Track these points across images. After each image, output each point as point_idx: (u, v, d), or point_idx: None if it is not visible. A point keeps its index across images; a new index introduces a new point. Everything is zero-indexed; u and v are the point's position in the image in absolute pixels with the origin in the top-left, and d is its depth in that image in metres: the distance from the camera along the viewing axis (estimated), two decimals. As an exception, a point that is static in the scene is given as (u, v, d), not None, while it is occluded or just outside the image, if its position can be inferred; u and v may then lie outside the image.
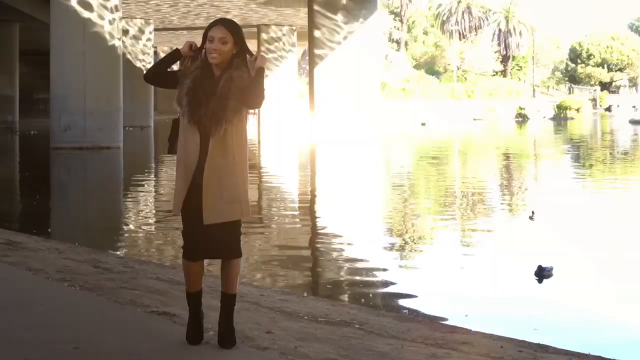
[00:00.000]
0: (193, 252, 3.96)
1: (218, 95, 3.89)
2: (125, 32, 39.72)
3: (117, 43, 25.25)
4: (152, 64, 4.11)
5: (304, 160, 23.70)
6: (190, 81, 3.94)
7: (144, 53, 44.18)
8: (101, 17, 24.51)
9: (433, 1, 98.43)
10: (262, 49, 46.88)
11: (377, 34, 33.03)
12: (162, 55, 58.72)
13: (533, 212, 10.94)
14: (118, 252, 8.55)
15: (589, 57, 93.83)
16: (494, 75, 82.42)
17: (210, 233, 3.90)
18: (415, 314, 5.94)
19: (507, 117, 63.69)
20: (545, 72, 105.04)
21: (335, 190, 15.74)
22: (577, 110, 75.56)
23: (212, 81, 3.93)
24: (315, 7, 28.67)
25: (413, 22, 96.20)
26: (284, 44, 46.76)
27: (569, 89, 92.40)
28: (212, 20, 4.07)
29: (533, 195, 14.57)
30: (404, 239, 9.74)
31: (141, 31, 43.97)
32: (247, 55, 3.97)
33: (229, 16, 41.09)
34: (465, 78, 77.80)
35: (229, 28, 3.94)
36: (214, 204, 3.87)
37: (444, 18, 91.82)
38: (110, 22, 24.76)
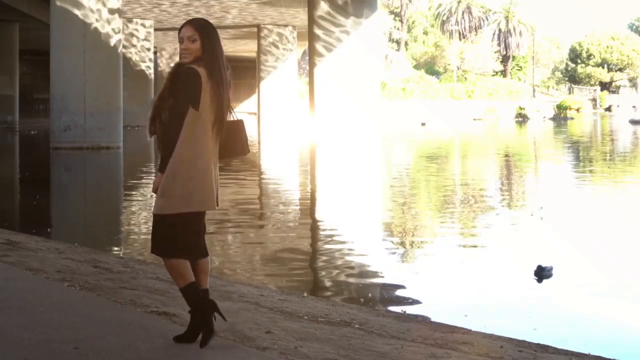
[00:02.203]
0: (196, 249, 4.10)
1: (159, 94, 3.93)
2: (125, 32, 39.77)
3: (117, 43, 25.26)
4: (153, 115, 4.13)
5: (303, 160, 23.70)
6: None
7: (144, 53, 44.19)
8: (101, 17, 24.52)
9: (433, 1, 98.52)
10: (262, 48, 46.90)
11: (377, 34, 33.02)
12: (161, 55, 58.77)
13: (541, 208, 10.95)
14: (118, 252, 8.55)
15: (589, 57, 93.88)
16: (494, 75, 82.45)
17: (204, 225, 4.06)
18: (415, 314, 5.94)
19: (507, 117, 63.72)
20: (545, 72, 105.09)
21: (335, 190, 15.74)
22: (577, 110, 75.66)
23: None
24: (315, 7, 28.68)
25: (413, 22, 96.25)
26: (283, 44, 46.75)
27: (569, 89, 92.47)
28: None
29: (534, 195, 14.58)
30: (404, 239, 9.74)
31: (141, 31, 43.97)
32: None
33: (228, 16, 41.16)
34: (465, 78, 77.81)
35: (196, 27, 3.91)
36: (160, 194, 3.91)
37: (444, 18, 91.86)
38: (110, 22, 24.77)
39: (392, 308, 6.20)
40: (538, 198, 13.73)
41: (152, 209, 3.98)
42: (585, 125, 53.21)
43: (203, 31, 3.90)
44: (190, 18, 4.08)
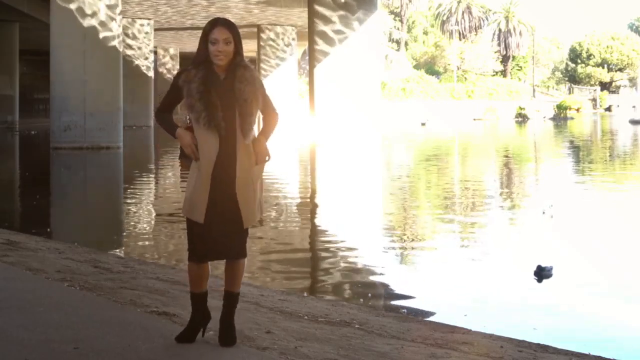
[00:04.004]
0: (205, 255, 3.95)
1: (243, 99, 3.89)
2: (125, 32, 39.75)
3: (117, 43, 25.26)
4: (159, 117, 4.07)
5: (304, 160, 23.69)
6: (199, 85, 3.88)
7: (144, 53, 44.19)
8: (101, 17, 24.52)
9: (433, 1, 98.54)
10: (262, 48, 46.90)
11: (377, 34, 33.01)
12: (161, 55, 58.64)
13: (551, 206, 10.98)
14: (118, 252, 8.55)
15: (589, 57, 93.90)
16: (494, 75, 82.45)
17: (230, 235, 3.91)
18: (415, 314, 5.94)
19: (507, 117, 63.73)
20: (545, 72, 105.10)
21: (335, 190, 15.74)
22: (577, 110, 75.68)
23: (221, 83, 3.91)
24: (315, 7, 28.68)
25: (413, 22, 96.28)
26: (283, 44, 46.75)
27: (569, 89, 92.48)
28: (210, 20, 4.04)
29: (534, 195, 14.58)
30: (404, 239, 9.74)
31: (141, 31, 43.97)
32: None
33: (228, 16, 41.14)
34: (465, 78, 77.81)
35: (230, 28, 3.93)
36: (250, 207, 3.93)
37: (444, 18, 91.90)
38: (110, 22, 24.77)
39: (392, 308, 6.20)
40: (538, 198, 13.73)
41: (255, 217, 4.01)
42: (585, 126, 53.21)
43: (236, 33, 3.95)
44: (216, 17, 4.05)
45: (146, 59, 44.39)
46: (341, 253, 8.72)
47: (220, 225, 3.88)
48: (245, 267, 4.09)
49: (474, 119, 61.77)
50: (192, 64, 3.98)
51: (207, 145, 3.88)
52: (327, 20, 28.41)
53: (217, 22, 3.94)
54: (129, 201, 13.80)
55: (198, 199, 3.90)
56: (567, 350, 4.84)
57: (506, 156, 25.72)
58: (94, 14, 24.40)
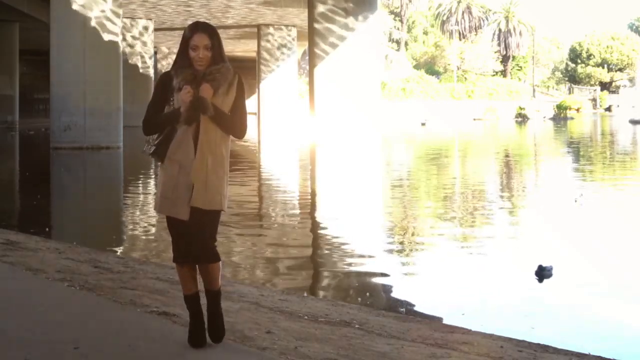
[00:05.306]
0: (187, 255, 3.95)
1: (212, 78, 3.94)
2: (125, 32, 39.74)
3: (118, 43, 25.27)
4: (152, 120, 4.02)
5: (303, 160, 23.69)
6: (182, 81, 3.95)
7: (144, 53, 44.19)
8: (101, 17, 24.53)
9: (433, 1, 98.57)
10: (262, 48, 46.90)
11: (377, 34, 33.01)
12: (161, 56, 58.64)
13: (580, 195, 11.03)
14: (118, 252, 8.54)
15: (589, 57, 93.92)
16: (494, 75, 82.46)
17: (193, 232, 3.89)
18: (415, 314, 5.94)
19: (507, 117, 63.74)
20: (545, 72, 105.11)
21: (335, 190, 15.73)
22: (577, 110, 75.72)
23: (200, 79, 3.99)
24: (315, 7, 28.68)
25: (413, 22, 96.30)
26: (283, 43, 46.76)
27: (569, 89, 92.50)
28: (190, 24, 4.03)
29: (533, 195, 14.58)
30: (403, 239, 9.74)
31: (141, 31, 43.98)
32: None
33: (229, 16, 41.16)
34: (465, 78, 77.81)
35: (210, 34, 3.92)
36: (201, 192, 3.90)
37: (444, 18, 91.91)
38: (110, 22, 24.78)
39: (392, 308, 6.20)
40: (537, 198, 13.73)
41: (203, 203, 3.88)
42: (585, 125, 53.20)
43: (216, 38, 3.94)
44: (196, 22, 4.05)
45: (146, 59, 44.39)
46: (341, 253, 8.72)
47: (189, 222, 3.89)
48: (220, 268, 4.02)
49: (474, 119, 61.77)
50: (173, 68, 4.00)
51: (187, 141, 3.95)
52: (327, 20, 28.40)
53: (197, 28, 3.93)
54: (129, 201, 13.80)
55: (180, 195, 3.92)
56: (567, 350, 4.84)
57: (506, 156, 25.71)
58: (94, 14, 24.41)
